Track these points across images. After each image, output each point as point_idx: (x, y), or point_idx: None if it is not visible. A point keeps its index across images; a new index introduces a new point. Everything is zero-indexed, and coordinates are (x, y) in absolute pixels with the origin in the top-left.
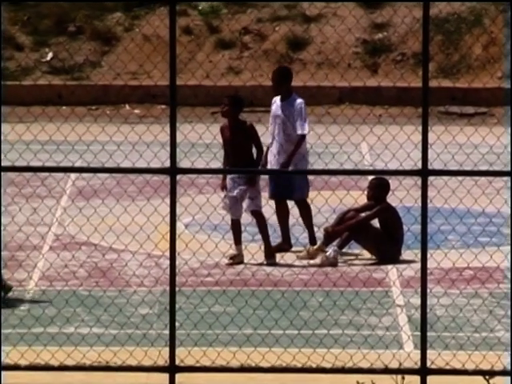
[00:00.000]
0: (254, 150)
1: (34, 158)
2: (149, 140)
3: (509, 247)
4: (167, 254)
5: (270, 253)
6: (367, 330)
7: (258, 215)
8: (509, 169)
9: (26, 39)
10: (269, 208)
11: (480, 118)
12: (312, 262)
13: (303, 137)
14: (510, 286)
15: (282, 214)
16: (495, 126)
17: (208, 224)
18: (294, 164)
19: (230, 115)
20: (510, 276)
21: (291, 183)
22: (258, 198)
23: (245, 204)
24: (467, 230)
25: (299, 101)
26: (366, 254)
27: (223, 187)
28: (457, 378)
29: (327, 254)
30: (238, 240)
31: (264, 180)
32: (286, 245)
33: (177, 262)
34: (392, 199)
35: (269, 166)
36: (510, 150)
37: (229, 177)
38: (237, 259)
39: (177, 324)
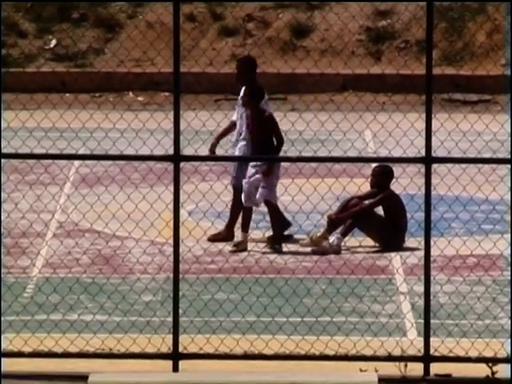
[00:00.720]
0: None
1: (38, 145)
2: (152, 127)
3: None
4: (171, 241)
5: (277, 242)
6: (370, 318)
7: (270, 205)
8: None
9: (30, 26)
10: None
11: (483, 106)
12: (315, 248)
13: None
14: (510, 273)
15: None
16: (499, 114)
17: (211, 211)
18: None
19: (249, 105)
20: (510, 263)
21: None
22: (271, 187)
23: (258, 193)
24: (470, 218)
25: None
26: (370, 242)
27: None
28: (460, 365)
29: (331, 241)
30: (245, 227)
31: (283, 168)
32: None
33: (180, 250)
34: (395, 187)
35: (240, 154)
36: (510, 137)
37: (250, 165)
38: (240, 246)
39: (180, 311)
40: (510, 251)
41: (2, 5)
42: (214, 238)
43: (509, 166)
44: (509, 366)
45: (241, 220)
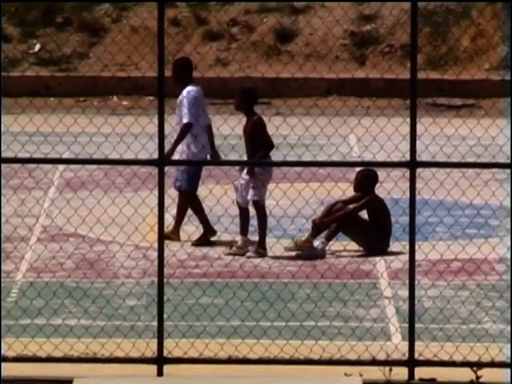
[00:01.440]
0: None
1: (22, 150)
2: (137, 131)
3: (496, 239)
4: (155, 245)
5: (262, 246)
6: (355, 322)
7: (257, 206)
8: (499, 160)
9: (14, 30)
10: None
11: (468, 110)
12: (300, 253)
13: (186, 125)
14: (510, 277)
15: (191, 205)
16: (483, 118)
17: (195, 216)
18: (192, 154)
19: (238, 109)
20: (510, 267)
21: (181, 174)
22: (259, 188)
23: (249, 194)
24: (455, 222)
25: (188, 89)
26: (354, 246)
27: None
28: (444, 370)
29: (315, 245)
30: (243, 231)
31: (277, 171)
32: (208, 234)
33: (165, 254)
34: (380, 191)
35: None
36: (501, 142)
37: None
38: (241, 251)
39: (164, 316)
40: (510, 255)
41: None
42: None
43: (493, 170)
44: (492, 370)
45: (239, 224)
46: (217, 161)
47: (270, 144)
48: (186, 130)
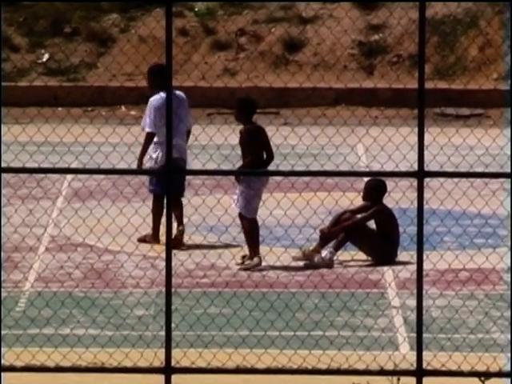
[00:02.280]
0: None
1: (30, 160)
2: None
3: (505, 249)
4: (163, 255)
5: (256, 255)
6: (363, 332)
7: (241, 217)
8: (507, 170)
9: (22, 40)
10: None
11: (476, 120)
12: (308, 263)
13: (147, 134)
14: (508, 286)
15: (152, 207)
16: (491, 128)
17: (204, 225)
18: (153, 161)
19: (237, 119)
20: (509, 276)
21: (152, 178)
22: (247, 200)
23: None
24: (463, 232)
25: (152, 98)
26: (362, 256)
27: None
28: (452, 380)
29: (323, 255)
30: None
31: (275, 183)
32: (151, 239)
33: (172, 263)
34: (388, 201)
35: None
36: (509, 152)
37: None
38: (252, 263)
39: (172, 325)
40: (506, 265)
41: (2, 6)
42: (141, 239)
43: (501, 180)
44: (501, 380)
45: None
46: (215, 170)
47: (268, 155)
48: (147, 139)
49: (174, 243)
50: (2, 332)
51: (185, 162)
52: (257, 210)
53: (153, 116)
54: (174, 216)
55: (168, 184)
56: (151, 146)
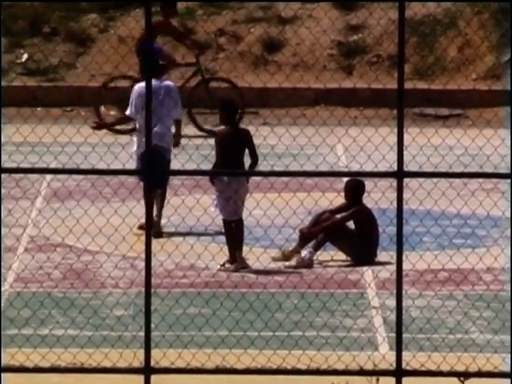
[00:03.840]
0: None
1: (9, 160)
2: (124, 141)
3: (484, 249)
4: (142, 255)
5: (234, 260)
6: (342, 332)
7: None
8: (486, 170)
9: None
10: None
11: (455, 120)
12: (287, 263)
13: (125, 115)
14: (510, 287)
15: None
16: (470, 128)
17: (183, 225)
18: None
19: (222, 120)
20: (510, 277)
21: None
22: (222, 204)
23: None
24: (442, 232)
25: (137, 85)
26: (342, 256)
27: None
28: (432, 380)
29: (302, 255)
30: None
31: (254, 183)
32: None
33: (152, 264)
34: (367, 201)
35: None
36: (509, 152)
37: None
38: (239, 265)
39: (152, 326)
40: (509, 265)
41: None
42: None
43: (480, 180)
44: (480, 380)
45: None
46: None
47: (251, 158)
48: (122, 118)
49: (156, 233)
50: None
51: (164, 149)
52: (235, 211)
53: (134, 102)
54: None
55: (148, 184)
56: (135, 132)
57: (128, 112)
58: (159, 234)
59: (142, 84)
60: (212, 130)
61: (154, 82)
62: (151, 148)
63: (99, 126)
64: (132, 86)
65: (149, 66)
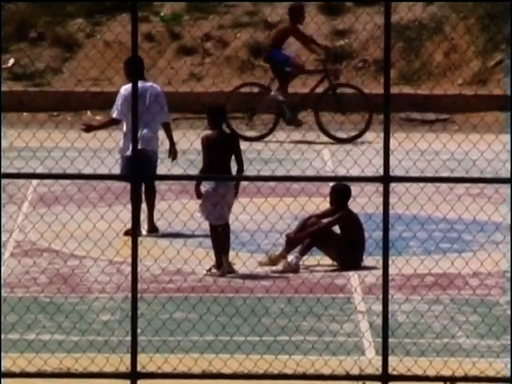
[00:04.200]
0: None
1: None
2: (111, 146)
3: (470, 253)
4: (129, 260)
5: (219, 266)
6: (329, 337)
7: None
8: (472, 175)
9: None
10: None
11: (441, 125)
12: (274, 268)
13: (111, 118)
14: (510, 294)
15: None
16: (456, 133)
17: (170, 230)
18: (119, 150)
19: (210, 125)
20: (510, 283)
21: None
22: (206, 209)
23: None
24: (428, 237)
25: (123, 87)
26: (328, 261)
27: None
28: None
29: (289, 260)
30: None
31: (241, 187)
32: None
33: (138, 269)
34: (354, 206)
35: None
36: (509, 157)
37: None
38: (225, 269)
39: (138, 331)
40: (510, 270)
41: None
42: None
43: (467, 185)
44: None
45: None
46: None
47: (236, 164)
48: (108, 121)
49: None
50: None
51: (151, 153)
52: (221, 216)
53: (119, 103)
54: (146, 203)
55: (134, 189)
56: (121, 135)
57: (114, 115)
58: (154, 229)
59: (127, 86)
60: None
61: (139, 84)
62: (138, 152)
63: (88, 128)
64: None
65: (135, 69)
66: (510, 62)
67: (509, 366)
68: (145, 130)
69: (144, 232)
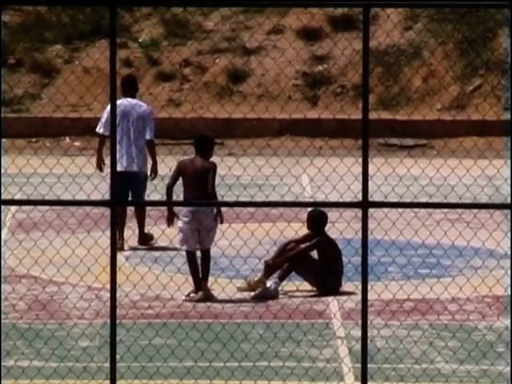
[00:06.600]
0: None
1: None
2: (89, 172)
3: (449, 279)
4: (108, 286)
5: (200, 289)
6: (308, 362)
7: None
8: (450, 200)
9: None
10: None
11: (420, 150)
12: (253, 294)
13: (98, 136)
14: (510, 315)
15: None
16: (435, 158)
17: (148, 256)
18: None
19: (196, 151)
20: (510, 305)
21: None
22: (182, 234)
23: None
24: (407, 262)
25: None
26: (307, 286)
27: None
28: None
29: (268, 286)
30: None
31: (230, 211)
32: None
33: (117, 295)
34: (332, 231)
35: None
36: (509, 182)
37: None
38: (204, 296)
39: (117, 357)
40: (510, 292)
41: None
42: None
43: (445, 210)
44: None
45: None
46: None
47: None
48: (99, 140)
49: (147, 237)
50: None
51: (136, 172)
52: (200, 242)
53: (104, 119)
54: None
55: (113, 215)
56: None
57: (101, 130)
58: (151, 237)
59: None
60: None
61: (126, 102)
62: (124, 171)
63: (101, 167)
64: None
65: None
66: (510, 80)
67: None
68: (130, 148)
69: (126, 247)
